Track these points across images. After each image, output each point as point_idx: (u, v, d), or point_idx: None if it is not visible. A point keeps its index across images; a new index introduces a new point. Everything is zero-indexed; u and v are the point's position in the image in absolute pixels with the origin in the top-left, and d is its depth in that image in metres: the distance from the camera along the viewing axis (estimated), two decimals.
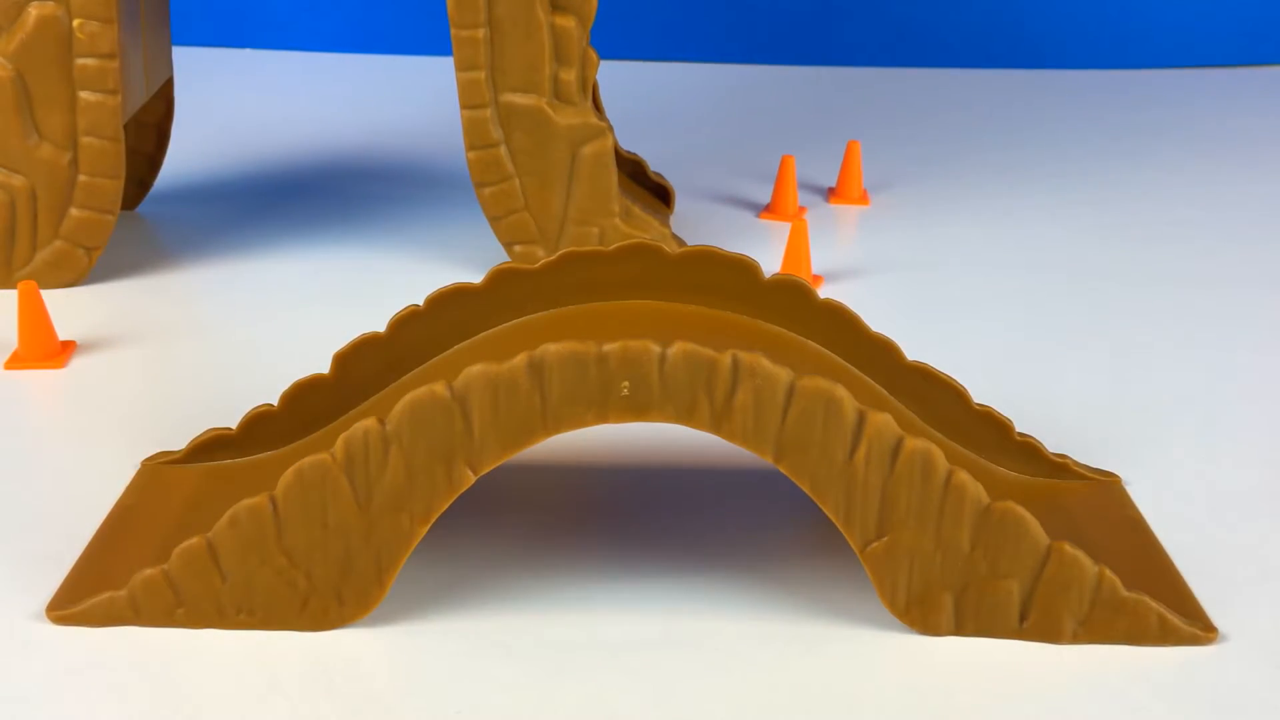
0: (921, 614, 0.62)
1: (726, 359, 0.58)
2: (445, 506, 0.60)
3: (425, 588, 0.65)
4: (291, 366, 0.77)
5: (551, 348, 0.58)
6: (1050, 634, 0.62)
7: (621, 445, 0.80)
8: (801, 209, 1.27)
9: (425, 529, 0.61)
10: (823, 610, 0.65)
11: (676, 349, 0.58)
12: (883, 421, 0.59)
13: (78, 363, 0.92)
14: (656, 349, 0.58)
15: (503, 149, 1.05)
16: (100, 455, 0.78)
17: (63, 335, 0.95)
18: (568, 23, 1.03)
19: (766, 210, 1.27)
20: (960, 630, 0.62)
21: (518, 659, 0.61)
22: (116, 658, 0.60)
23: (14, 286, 1.01)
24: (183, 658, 0.60)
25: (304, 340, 0.96)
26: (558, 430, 0.59)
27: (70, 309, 0.99)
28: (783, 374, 0.58)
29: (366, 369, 0.72)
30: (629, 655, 0.61)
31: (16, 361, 0.91)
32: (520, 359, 0.58)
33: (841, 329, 0.72)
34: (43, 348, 0.92)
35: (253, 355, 0.94)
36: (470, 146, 1.04)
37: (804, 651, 0.62)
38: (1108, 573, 0.61)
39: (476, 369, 0.58)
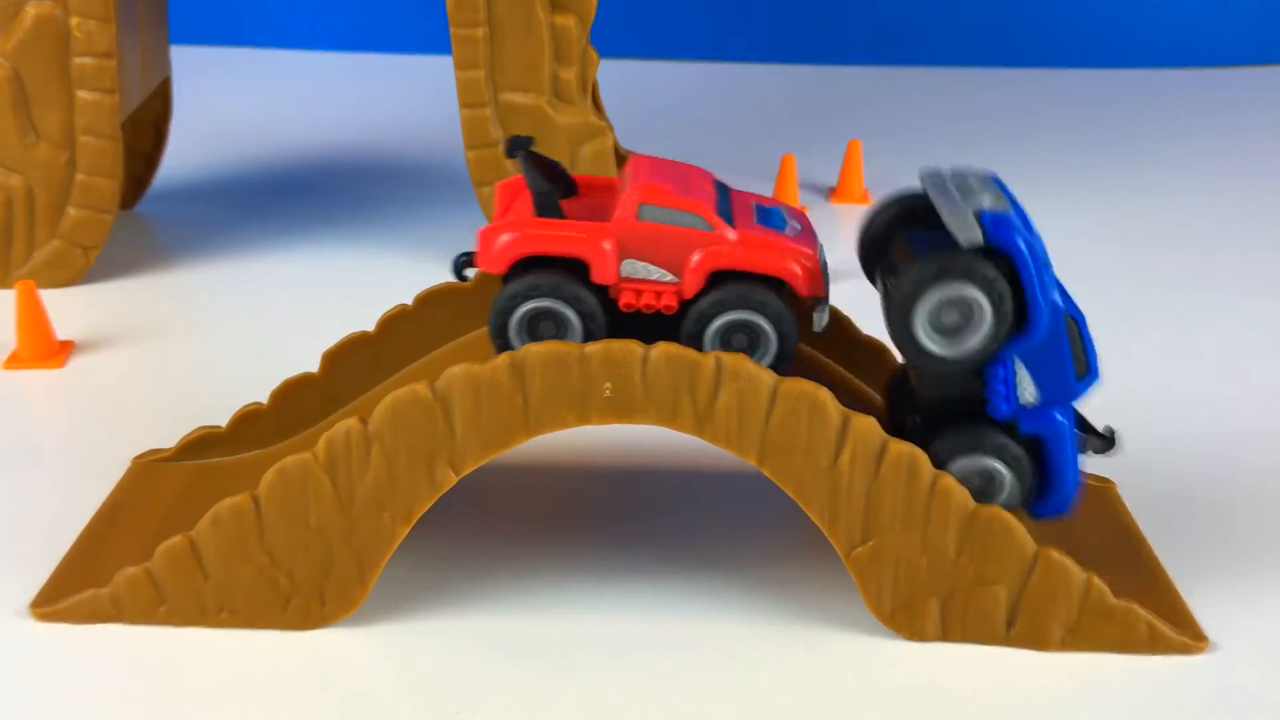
0: (908, 619, 0.62)
1: (710, 360, 0.58)
2: (427, 506, 0.60)
3: (425, 588, 0.65)
4: (288, 366, 0.77)
5: (533, 348, 0.57)
6: (1038, 641, 0.62)
7: (621, 446, 0.79)
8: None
9: (407, 529, 0.60)
10: (827, 615, 0.64)
11: (659, 350, 0.57)
12: (867, 425, 0.58)
13: (76, 362, 0.92)
14: (639, 350, 0.57)
15: (502, 148, 1.05)
16: (97, 454, 0.78)
17: (61, 335, 0.95)
18: (567, 21, 1.03)
19: None
20: (946, 636, 0.62)
21: (517, 659, 0.61)
22: (99, 655, 0.60)
23: (12, 286, 1.01)
24: (181, 657, 0.60)
25: (302, 340, 0.96)
26: (540, 431, 0.59)
27: (68, 308, 1.00)
28: (766, 376, 0.58)
29: (355, 368, 0.72)
30: (628, 656, 0.61)
31: (15, 361, 0.91)
32: (502, 359, 0.57)
33: (832, 331, 0.72)
34: (41, 347, 0.92)
35: (250, 354, 0.94)
36: (470, 146, 1.04)
37: (806, 655, 0.62)
38: (1096, 580, 0.60)
39: (458, 369, 0.58)
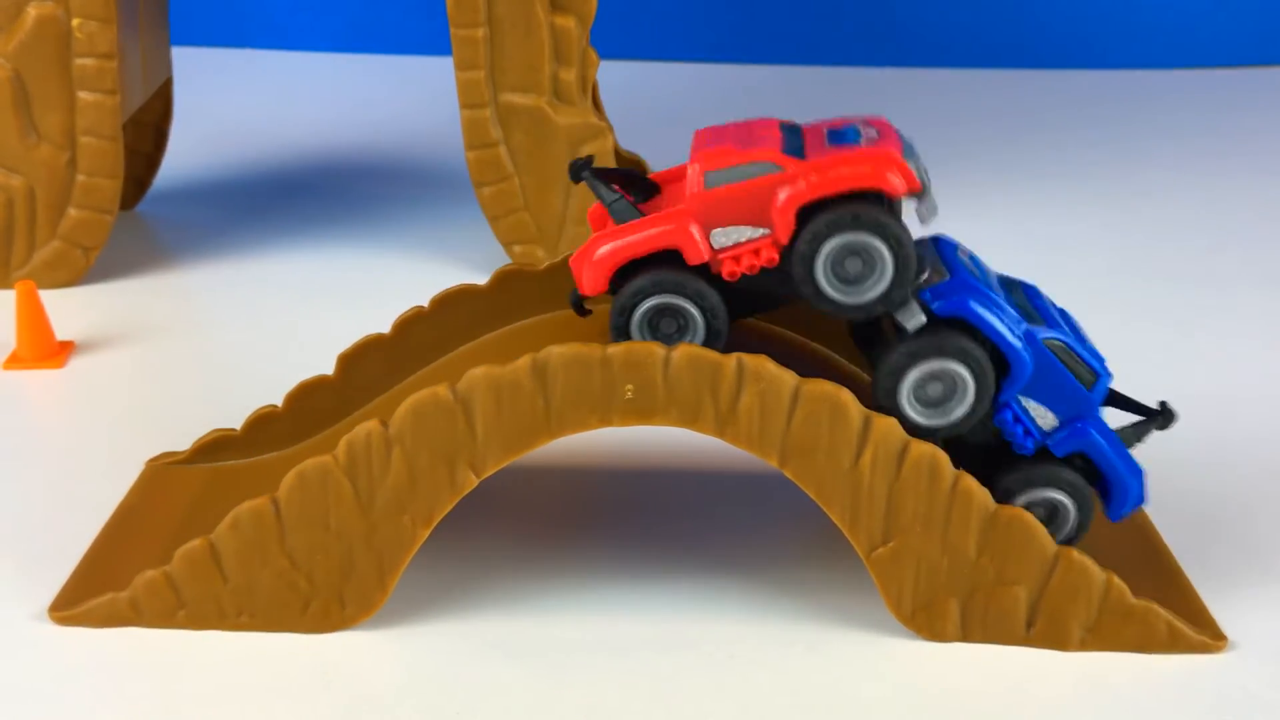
0: (928, 620, 0.62)
1: (731, 362, 0.57)
2: (448, 509, 0.60)
3: (425, 589, 0.65)
4: (289, 367, 0.76)
5: (555, 350, 0.57)
6: (1058, 641, 0.62)
7: (624, 447, 0.79)
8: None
9: (427, 531, 0.60)
10: (827, 615, 0.64)
11: (680, 352, 0.57)
12: (888, 425, 0.58)
13: (76, 363, 0.92)
14: (661, 351, 0.57)
15: (502, 148, 1.04)
16: (99, 455, 0.78)
17: (61, 335, 0.94)
18: (567, 22, 1.03)
19: None
20: (967, 637, 0.62)
21: (518, 660, 0.61)
22: (118, 659, 0.60)
23: (12, 286, 1.00)
24: (184, 659, 0.60)
25: (302, 341, 0.96)
26: (561, 433, 0.59)
27: (68, 309, 0.99)
28: (788, 377, 0.58)
29: (371, 370, 0.72)
30: (629, 656, 0.61)
31: (15, 362, 0.91)
32: (524, 361, 0.57)
33: (846, 332, 0.71)
34: (41, 348, 0.91)
35: (251, 355, 0.94)
36: (470, 146, 1.04)
37: (806, 655, 0.62)
38: (1116, 580, 0.61)
39: (479, 371, 0.57)
